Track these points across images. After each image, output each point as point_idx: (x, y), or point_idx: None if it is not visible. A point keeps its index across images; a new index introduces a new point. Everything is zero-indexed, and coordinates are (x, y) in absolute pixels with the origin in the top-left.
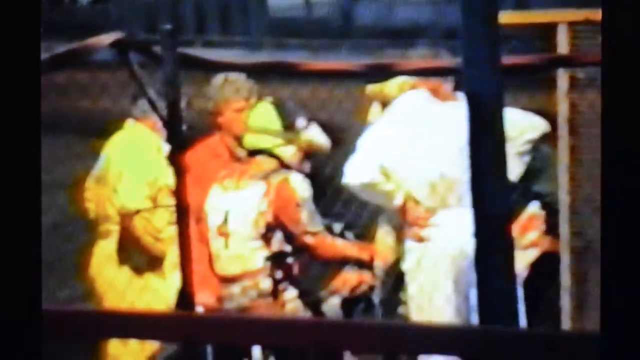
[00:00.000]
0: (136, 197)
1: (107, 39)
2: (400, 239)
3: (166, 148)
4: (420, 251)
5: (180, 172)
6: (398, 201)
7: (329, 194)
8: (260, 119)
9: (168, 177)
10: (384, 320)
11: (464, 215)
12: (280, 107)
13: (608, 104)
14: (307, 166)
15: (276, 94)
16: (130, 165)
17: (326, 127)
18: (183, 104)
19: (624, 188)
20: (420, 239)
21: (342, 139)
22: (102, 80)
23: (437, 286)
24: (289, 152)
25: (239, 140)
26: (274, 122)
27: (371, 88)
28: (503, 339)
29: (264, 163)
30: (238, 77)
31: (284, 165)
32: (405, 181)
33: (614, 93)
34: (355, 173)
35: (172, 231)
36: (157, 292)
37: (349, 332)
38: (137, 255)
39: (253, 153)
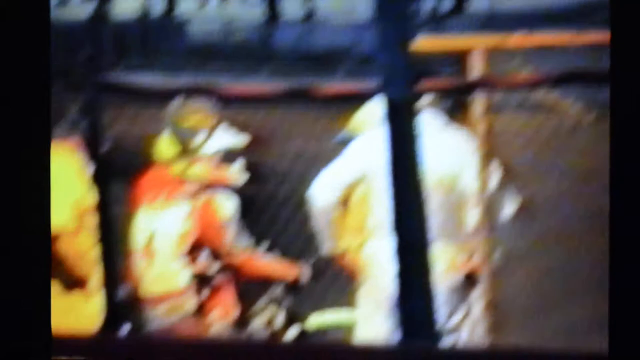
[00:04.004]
0: (59, 218)
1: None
2: None
3: (90, 168)
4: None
5: (103, 191)
6: (336, 250)
7: (253, 212)
8: (160, 151)
9: (92, 197)
10: (310, 341)
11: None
12: (174, 133)
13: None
14: (238, 172)
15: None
16: (54, 187)
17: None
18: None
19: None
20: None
21: (262, 163)
22: None
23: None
24: (200, 170)
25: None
26: (171, 150)
27: (354, 121)
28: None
29: (190, 185)
30: (196, 99)
31: (208, 185)
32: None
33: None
34: (320, 191)
35: (96, 252)
36: (82, 313)
37: (275, 353)
38: (61, 277)
39: (180, 179)
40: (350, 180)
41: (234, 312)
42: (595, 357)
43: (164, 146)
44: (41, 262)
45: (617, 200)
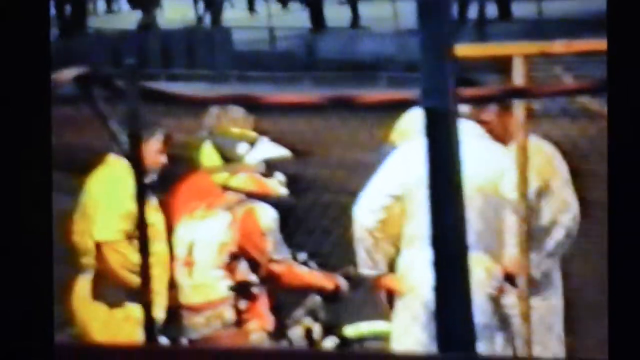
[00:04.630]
0: (110, 229)
1: (70, 73)
2: None
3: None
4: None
5: (142, 203)
6: (375, 273)
7: (293, 222)
8: (203, 160)
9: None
10: (350, 350)
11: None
12: (216, 143)
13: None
14: (279, 184)
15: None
16: (106, 199)
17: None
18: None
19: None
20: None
21: (302, 173)
22: (66, 115)
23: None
24: (242, 179)
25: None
26: (214, 159)
27: (395, 131)
28: None
29: (231, 195)
30: (234, 108)
31: (250, 195)
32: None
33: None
34: (364, 212)
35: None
36: (137, 322)
37: None
38: (113, 287)
39: (223, 188)
40: (391, 200)
41: (272, 322)
42: None
43: (207, 155)
44: (43, 263)
45: (616, 204)
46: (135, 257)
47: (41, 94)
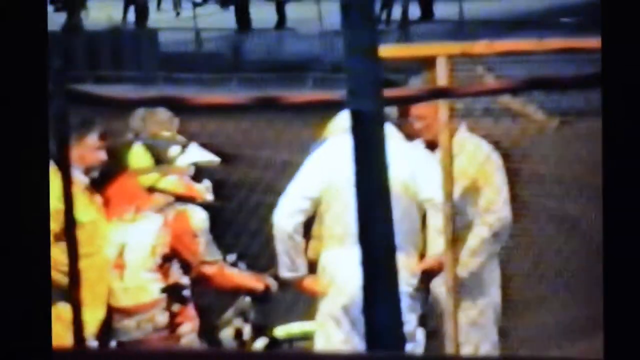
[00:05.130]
0: None
1: None
2: None
3: (81, 181)
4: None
5: (69, 203)
6: (296, 275)
7: (222, 224)
8: (133, 160)
9: (77, 211)
10: (280, 350)
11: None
12: (147, 144)
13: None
14: (206, 190)
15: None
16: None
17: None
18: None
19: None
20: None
21: (231, 174)
22: None
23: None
24: (171, 182)
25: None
26: (145, 160)
27: (328, 131)
28: None
29: (160, 197)
30: (160, 110)
31: (178, 198)
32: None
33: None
34: (283, 217)
35: (80, 264)
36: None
37: None
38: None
39: (151, 190)
40: (310, 202)
41: (203, 324)
42: None
43: (136, 157)
44: (41, 263)
45: (610, 204)
46: (63, 258)
47: (38, 92)
